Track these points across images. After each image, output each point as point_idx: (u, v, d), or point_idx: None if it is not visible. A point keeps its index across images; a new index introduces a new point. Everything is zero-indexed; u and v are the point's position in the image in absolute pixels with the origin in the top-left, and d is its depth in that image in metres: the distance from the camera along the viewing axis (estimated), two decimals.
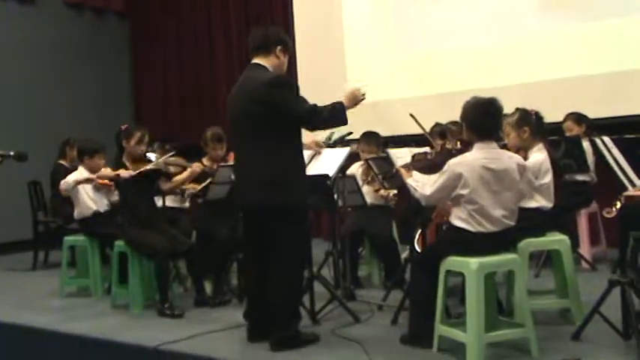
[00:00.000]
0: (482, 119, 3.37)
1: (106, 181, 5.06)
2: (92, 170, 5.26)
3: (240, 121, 3.61)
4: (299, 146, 3.63)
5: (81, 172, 5.33)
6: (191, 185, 5.17)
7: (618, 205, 3.28)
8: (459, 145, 3.60)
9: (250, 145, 3.56)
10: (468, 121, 3.43)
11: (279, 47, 3.63)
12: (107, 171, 4.85)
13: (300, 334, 3.63)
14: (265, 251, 3.62)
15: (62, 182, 5.24)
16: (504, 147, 3.75)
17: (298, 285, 3.69)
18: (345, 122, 3.62)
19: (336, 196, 4.63)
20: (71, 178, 5.24)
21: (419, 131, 5.06)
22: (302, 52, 7.69)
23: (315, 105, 3.54)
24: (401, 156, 4.07)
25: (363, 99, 3.65)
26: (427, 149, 4.26)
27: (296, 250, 3.60)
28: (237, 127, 3.66)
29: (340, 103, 3.57)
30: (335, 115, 3.55)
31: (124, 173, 4.62)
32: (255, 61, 3.65)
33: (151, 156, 4.88)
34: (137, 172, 4.57)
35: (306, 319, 3.97)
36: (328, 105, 3.58)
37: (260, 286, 3.67)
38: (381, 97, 6.87)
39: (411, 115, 4.63)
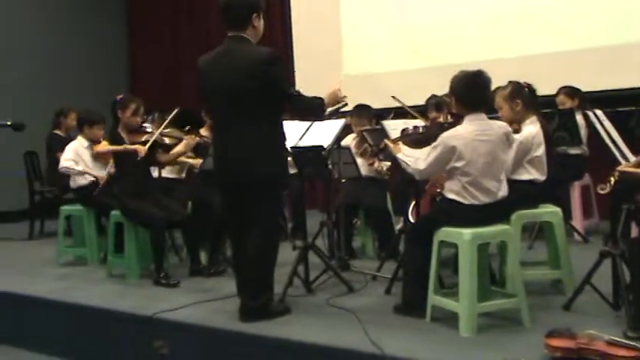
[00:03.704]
0: (471, 92, 3.40)
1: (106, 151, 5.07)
2: (91, 140, 5.30)
3: (230, 95, 3.50)
4: (282, 121, 3.65)
5: (80, 142, 5.36)
6: (190, 158, 5.20)
7: (612, 180, 3.30)
8: (450, 119, 3.62)
9: (240, 120, 3.49)
10: (456, 95, 3.47)
11: (254, 15, 3.54)
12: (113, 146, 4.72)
13: (269, 305, 3.60)
14: (245, 224, 3.60)
15: (65, 166, 5.28)
16: (498, 120, 3.77)
17: (270, 258, 3.62)
18: (320, 118, 3.71)
19: (331, 167, 4.66)
20: (73, 165, 5.28)
21: (415, 103, 5.08)
22: (298, 25, 7.65)
23: (298, 90, 3.57)
24: (395, 128, 4.10)
25: (343, 101, 3.67)
26: (420, 122, 4.28)
27: (272, 223, 3.60)
28: (226, 101, 3.54)
29: (321, 99, 3.60)
30: (314, 106, 3.59)
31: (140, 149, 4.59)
32: (235, 33, 3.55)
33: (147, 127, 4.85)
34: (145, 152, 4.60)
35: (300, 288, 4.03)
36: (311, 96, 3.61)
37: (242, 258, 3.68)
38: (377, 69, 6.87)
39: (394, 97, 4.68)
